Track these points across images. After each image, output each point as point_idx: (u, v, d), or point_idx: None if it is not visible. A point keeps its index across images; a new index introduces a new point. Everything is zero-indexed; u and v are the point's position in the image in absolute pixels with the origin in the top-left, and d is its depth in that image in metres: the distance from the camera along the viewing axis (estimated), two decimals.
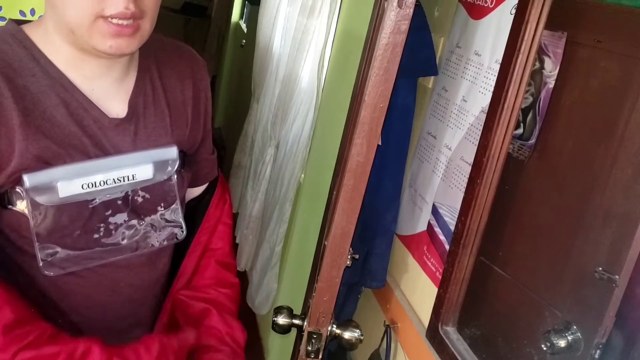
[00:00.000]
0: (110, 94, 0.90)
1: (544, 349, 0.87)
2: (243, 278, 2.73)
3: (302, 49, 2.02)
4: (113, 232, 0.92)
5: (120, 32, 0.81)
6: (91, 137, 0.87)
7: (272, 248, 2.25)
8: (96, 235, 0.90)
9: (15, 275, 0.89)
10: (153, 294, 1.08)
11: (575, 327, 0.85)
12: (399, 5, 0.83)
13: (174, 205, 0.99)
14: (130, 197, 0.93)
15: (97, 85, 0.89)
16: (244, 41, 4.40)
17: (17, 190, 0.83)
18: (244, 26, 4.76)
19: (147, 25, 0.85)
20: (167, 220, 0.99)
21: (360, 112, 0.89)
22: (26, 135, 0.81)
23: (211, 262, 1.11)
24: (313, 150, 2.03)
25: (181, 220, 1.01)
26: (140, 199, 0.94)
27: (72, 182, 0.84)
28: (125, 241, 0.94)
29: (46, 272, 0.88)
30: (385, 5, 0.87)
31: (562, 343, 0.85)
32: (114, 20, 0.80)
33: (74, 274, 0.91)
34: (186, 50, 1.05)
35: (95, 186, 0.87)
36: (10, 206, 0.84)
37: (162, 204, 0.97)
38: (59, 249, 0.87)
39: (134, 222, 0.94)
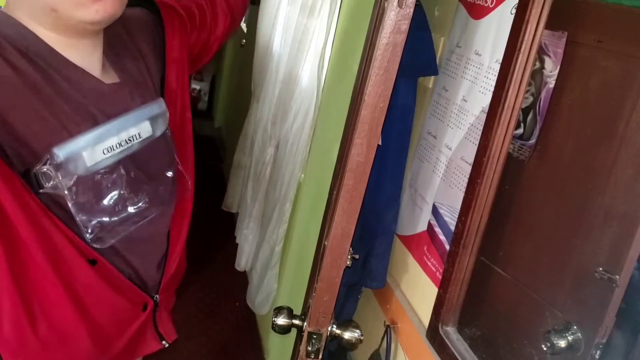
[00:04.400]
0: (98, 65, 0.94)
1: (544, 349, 0.87)
2: (243, 278, 2.73)
3: (302, 49, 2.02)
4: (136, 194, 0.97)
5: None
6: (96, 106, 0.91)
7: (272, 248, 2.24)
8: (125, 201, 0.95)
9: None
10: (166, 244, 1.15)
11: (575, 327, 0.85)
12: (399, 5, 0.83)
13: (174, 159, 1.06)
14: (140, 158, 0.97)
15: (86, 63, 0.92)
16: (244, 41, 4.40)
17: (45, 170, 0.84)
18: (243, 26, 4.76)
19: None
20: (173, 173, 1.06)
21: (360, 112, 0.89)
22: (42, 99, 0.84)
23: None
24: (313, 150, 2.03)
25: (183, 170, 1.08)
26: (148, 158, 0.99)
27: (95, 149, 0.87)
28: (147, 202, 0.99)
29: (96, 245, 0.92)
30: (386, 5, 0.87)
31: (562, 343, 0.85)
32: None
33: (111, 247, 0.97)
34: (137, 9, 1.10)
35: (113, 149, 0.90)
36: (41, 190, 0.86)
37: (164, 159, 1.04)
38: (99, 220, 0.92)
39: (150, 181, 1.00)
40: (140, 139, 0.95)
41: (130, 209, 0.96)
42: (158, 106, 1.00)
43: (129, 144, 0.93)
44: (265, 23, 2.60)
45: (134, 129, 0.94)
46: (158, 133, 0.99)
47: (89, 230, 0.90)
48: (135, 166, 0.97)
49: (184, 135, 1.14)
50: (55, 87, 0.86)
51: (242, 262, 2.60)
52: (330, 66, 1.96)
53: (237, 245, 2.71)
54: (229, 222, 3.24)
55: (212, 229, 3.30)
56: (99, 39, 0.94)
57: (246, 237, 2.59)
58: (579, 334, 0.84)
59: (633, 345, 0.79)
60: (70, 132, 0.86)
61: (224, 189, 3.29)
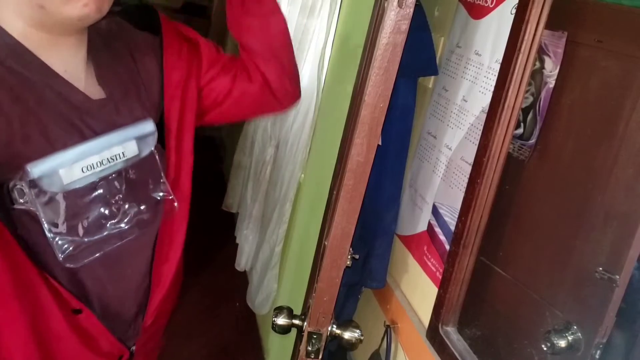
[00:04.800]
0: (82, 75, 0.91)
1: (545, 349, 0.87)
2: (243, 278, 2.73)
3: (302, 49, 2.02)
4: (117, 214, 0.93)
5: None
6: (81, 119, 0.88)
7: (272, 248, 2.25)
8: (103, 220, 0.91)
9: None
10: (148, 273, 1.07)
11: (575, 327, 0.85)
12: (399, 5, 0.83)
13: (161, 179, 1.00)
14: (124, 177, 0.93)
15: (69, 67, 0.89)
16: None
17: (19, 186, 0.82)
18: None
19: None
20: (159, 195, 1.00)
21: (360, 112, 0.89)
22: (20, 112, 0.81)
23: None
24: (313, 150, 2.03)
25: (170, 192, 1.01)
26: (132, 178, 0.95)
27: (72, 167, 0.85)
28: (128, 222, 0.95)
29: (68, 264, 0.88)
30: (386, 5, 0.87)
31: (562, 343, 0.85)
32: None
33: (86, 268, 0.92)
34: (126, 26, 1.04)
35: (94, 168, 0.87)
36: (14, 205, 0.83)
37: (150, 180, 0.98)
38: (73, 239, 0.88)
39: (132, 201, 0.96)
40: (124, 158, 0.91)
41: (109, 230, 0.92)
42: (146, 126, 0.95)
43: (112, 163, 0.90)
44: None
45: (118, 147, 0.90)
46: (145, 153, 0.95)
47: (62, 249, 0.87)
48: (117, 185, 0.93)
49: (179, 178, 1.06)
50: (39, 99, 0.83)
51: (242, 262, 2.61)
52: (330, 66, 1.96)
53: (237, 245, 2.71)
54: (229, 222, 3.24)
55: (212, 229, 3.30)
56: (84, 36, 0.91)
57: (246, 237, 2.59)
58: (579, 334, 0.84)
59: (633, 345, 0.79)
60: (54, 147, 0.83)
61: (224, 189, 3.29)
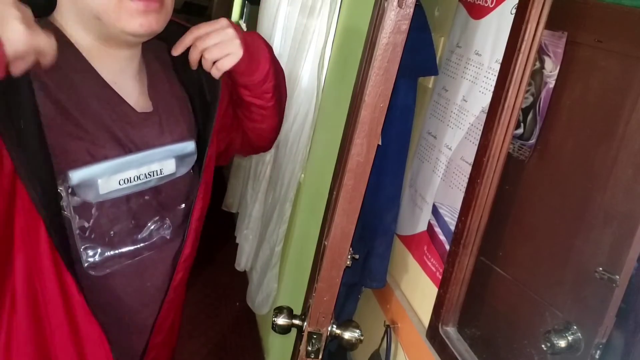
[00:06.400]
0: (130, 88, 0.92)
1: (544, 349, 0.87)
2: (243, 278, 2.73)
3: (302, 49, 2.02)
4: (144, 228, 0.94)
5: (147, 8, 0.82)
6: (123, 131, 0.88)
7: (272, 248, 2.25)
8: (131, 232, 0.92)
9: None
10: (165, 290, 1.05)
11: (575, 327, 0.85)
12: (399, 5, 0.83)
13: (192, 199, 1.00)
14: (156, 193, 0.94)
15: (119, 79, 0.90)
16: None
17: (58, 190, 0.82)
18: (244, 26, 4.76)
19: (169, 1, 0.87)
20: (186, 215, 1.00)
21: (360, 112, 0.89)
22: (64, 123, 0.81)
23: None
24: (313, 150, 2.03)
25: (198, 213, 1.02)
26: (164, 194, 0.96)
27: (111, 178, 0.86)
28: (155, 237, 0.95)
29: (91, 272, 0.88)
30: (386, 5, 0.87)
31: (562, 343, 0.85)
32: None
33: (105, 277, 0.92)
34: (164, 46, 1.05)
35: (130, 182, 0.88)
36: None
37: (182, 198, 0.99)
38: (99, 249, 0.89)
39: (161, 217, 0.96)
40: (160, 175, 0.92)
41: (134, 243, 0.93)
42: (188, 146, 0.96)
43: (148, 179, 0.91)
44: (265, 23, 2.60)
45: (157, 164, 0.91)
46: (181, 173, 0.96)
47: (87, 257, 0.87)
48: (148, 201, 0.93)
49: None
50: (85, 106, 0.84)
51: (242, 262, 2.61)
52: (330, 66, 1.96)
53: (237, 245, 2.71)
54: (229, 222, 3.24)
55: (212, 229, 3.30)
56: (138, 50, 0.93)
57: (246, 237, 2.59)
58: (579, 334, 0.84)
59: (633, 345, 0.79)
60: (95, 156, 0.84)
61: (224, 189, 3.29)
